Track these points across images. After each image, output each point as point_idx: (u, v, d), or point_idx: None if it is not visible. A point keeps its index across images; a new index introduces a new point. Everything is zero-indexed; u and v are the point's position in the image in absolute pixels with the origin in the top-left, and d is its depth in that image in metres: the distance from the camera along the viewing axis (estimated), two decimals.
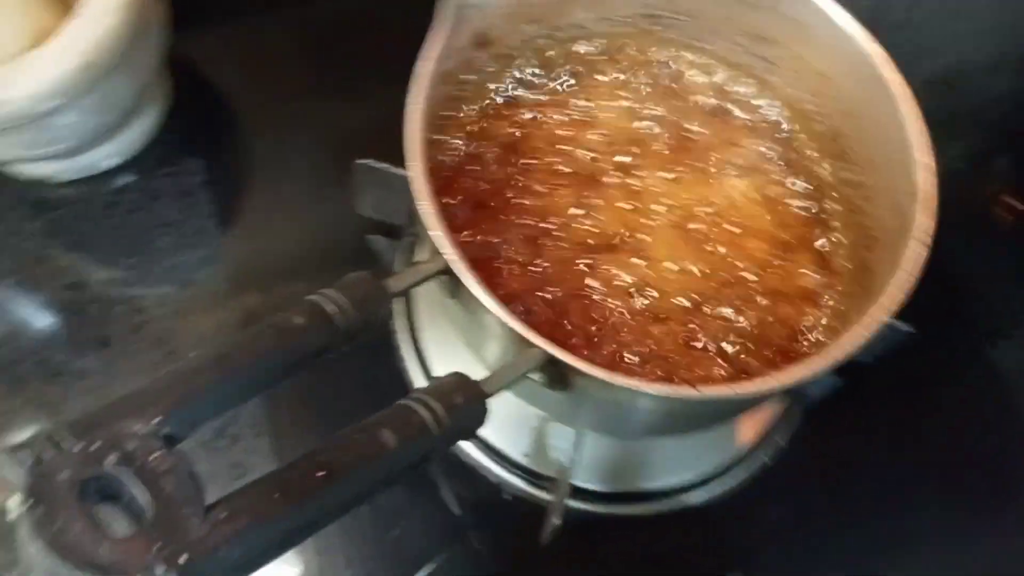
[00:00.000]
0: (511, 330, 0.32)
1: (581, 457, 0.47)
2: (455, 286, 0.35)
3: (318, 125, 0.62)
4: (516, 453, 0.51)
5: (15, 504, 0.21)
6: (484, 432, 0.51)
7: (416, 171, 0.34)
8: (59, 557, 0.20)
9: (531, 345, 0.32)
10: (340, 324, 0.28)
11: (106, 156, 0.61)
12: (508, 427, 0.52)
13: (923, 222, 0.35)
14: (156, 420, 0.23)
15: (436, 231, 0.34)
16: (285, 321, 0.27)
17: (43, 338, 0.56)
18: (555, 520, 0.46)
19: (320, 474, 0.24)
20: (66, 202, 0.61)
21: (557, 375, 0.33)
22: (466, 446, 0.52)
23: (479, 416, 0.29)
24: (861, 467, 0.53)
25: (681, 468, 0.51)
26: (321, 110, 0.64)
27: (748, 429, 0.52)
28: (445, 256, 0.33)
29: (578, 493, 0.50)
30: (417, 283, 0.33)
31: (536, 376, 0.33)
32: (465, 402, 0.28)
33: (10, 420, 0.53)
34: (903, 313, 0.48)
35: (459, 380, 0.29)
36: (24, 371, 0.54)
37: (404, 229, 0.57)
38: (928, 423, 0.55)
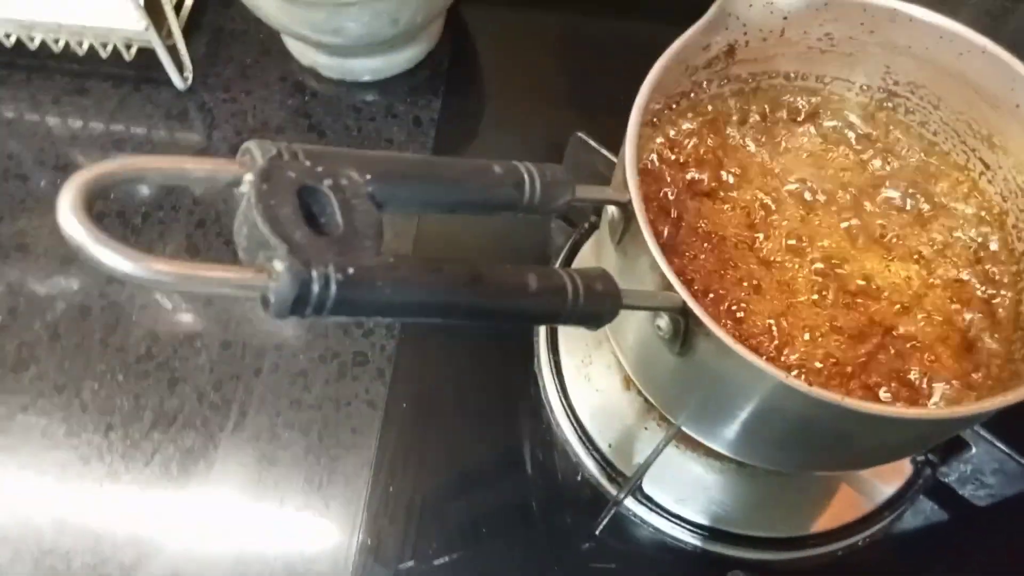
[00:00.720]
0: (660, 274, 0.35)
1: (659, 462, 0.48)
2: (624, 225, 0.38)
3: (552, 113, 0.68)
4: (602, 442, 0.53)
5: (249, 179, 0.26)
6: (581, 413, 0.53)
7: (635, 115, 0.38)
8: (265, 221, 0.24)
9: (671, 290, 0.34)
10: (525, 191, 0.32)
11: (367, 69, 0.70)
12: (603, 416, 0.54)
13: None
14: (368, 177, 0.28)
15: (631, 170, 0.37)
16: (487, 165, 0.31)
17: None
18: (614, 504, 0.47)
19: (470, 275, 0.28)
20: (322, 94, 0.70)
21: (683, 329, 0.35)
22: (560, 418, 0.54)
23: (609, 311, 0.32)
24: None
25: (749, 521, 0.50)
26: (559, 102, 0.70)
27: (831, 516, 0.51)
28: (630, 192, 0.36)
29: (647, 501, 0.51)
30: (597, 201, 0.36)
31: (664, 324, 0.36)
32: (603, 291, 0.31)
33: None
34: None
35: (605, 273, 0.32)
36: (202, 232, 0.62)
37: (584, 220, 0.61)
38: None
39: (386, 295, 0.26)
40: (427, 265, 0.27)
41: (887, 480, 0.52)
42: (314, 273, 0.24)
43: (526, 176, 0.32)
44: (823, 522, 0.52)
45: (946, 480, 0.52)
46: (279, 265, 0.24)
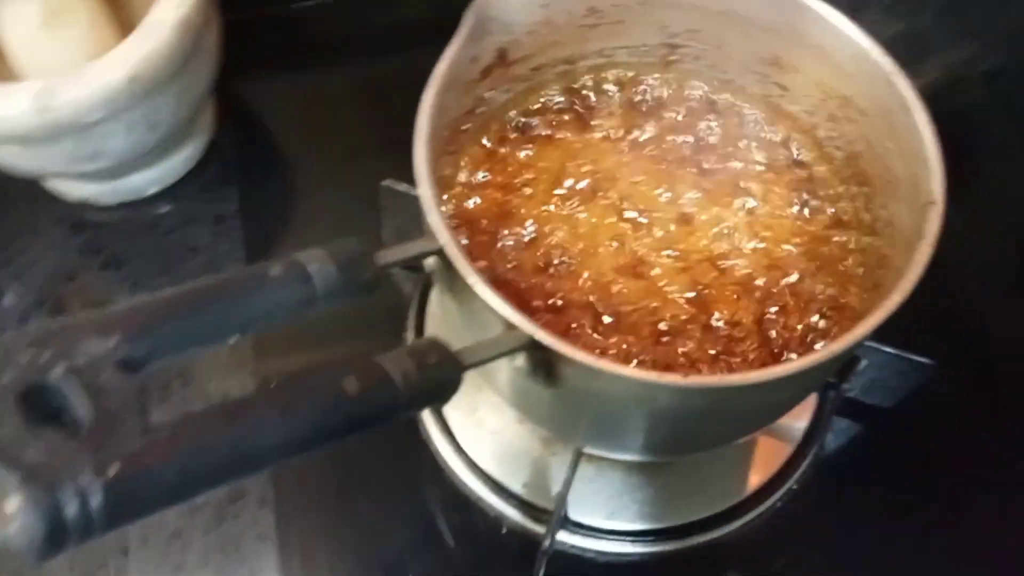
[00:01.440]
0: (500, 316, 0.32)
1: (577, 486, 0.46)
2: (448, 272, 0.35)
3: (363, 166, 0.63)
4: (515, 484, 0.49)
5: None
6: (484, 463, 0.50)
7: (420, 156, 0.35)
8: None
9: (515, 327, 0.31)
10: (316, 283, 0.28)
11: (148, 182, 0.64)
12: (508, 458, 0.50)
13: (932, 227, 0.34)
14: (113, 341, 0.23)
15: (434, 214, 0.34)
16: (260, 270, 0.27)
17: None
18: (544, 553, 0.44)
19: (273, 408, 0.23)
20: (106, 224, 0.64)
21: (541, 362, 0.32)
22: (465, 476, 0.50)
23: (451, 382, 0.28)
24: (876, 516, 0.50)
25: (687, 507, 0.48)
26: (368, 153, 0.65)
27: (760, 471, 0.50)
28: (439, 238, 0.33)
29: (579, 528, 0.48)
30: (406, 259, 0.33)
31: (521, 362, 0.32)
32: (437, 363, 0.27)
33: None
34: (924, 349, 0.46)
35: (434, 342, 0.28)
36: None
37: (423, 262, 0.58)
38: (946, 478, 0.51)
39: (171, 478, 0.21)
40: (215, 418, 0.22)
41: (798, 416, 0.52)
42: (63, 493, 0.19)
43: (311, 266, 0.28)
44: (755, 480, 0.50)
45: (851, 395, 0.51)
46: (13, 502, 0.19)
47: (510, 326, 0.31)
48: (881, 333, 0.43)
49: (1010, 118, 0.67)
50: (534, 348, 0.32)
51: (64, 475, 0.19)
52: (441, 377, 0.28)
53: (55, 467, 0.20)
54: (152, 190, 0.64)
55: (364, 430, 0.25)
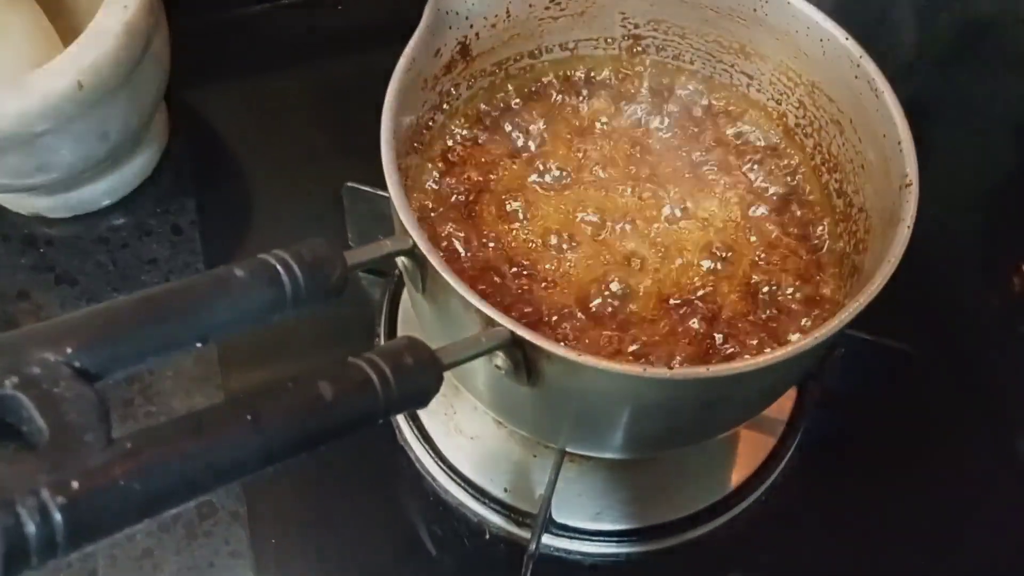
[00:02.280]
0: (476, 312, 0.31)
1: (561, 487, 0.45)
2: (421, 271, 0.33)
3: (322, 169, 0.62)
4: (496, 489, 0.48)
5: None
6: (464, 468, 0.49)
7: (387, 153, 0.34)
8: None
9: (494, 325, 0.30)
10: (286, 284, 0.27)
11: (100, 194, 0.61)
12: (488, 462, 0.49)
13: (909, 206, 0.34)
14: (68, 351, 0.21)
15: (404, 212, 0.32)
16: (225, 272, 0.25)
17: None
18: (530, 557, 0.43)
19: (246, 417, 0.22)
20: (58, 238, 0.61)
21: (521, 360, 0.31)
22: (445, 482, 0.49)
23: (430, 382, 0.27)
24: (858, 504, 0.50)
25: (672, 504, 0.48)
26: (327, 156, 0.64)
27: (744, 465, 0.49)
28: (412, 235, 0.32)
29: (564, 531, 0.47)
30: (376, 260, 0.31)
31: (500, 361, 0.31)
32: (415, 364, 0.26)
33: None
34: (898, 336, 0.46)
35: (411, 342, 0.27)
36: None
37: (393, 266, 0.56)
38: (925, 464, 0.51)
39: (136, 493, 0.19)
40: (183, 429, 0.21)
41: (779, 409, 0.51)
42: (22, 510, 0.18)
43: (279, 267, 0.27)
44: (739, 474, 0.50)
45: (830, 384, 0.51)
46: None
47: (489, 323, 0.30)
48: (856, 320, 0.43)
49: (960, 103, 0.68)
50: (514, 345, 0.31)
51: (22, 491, 0.18)
52: (420, 378, 0.26)
53: (11, 483, 0.18)
54: (105, 202, 0.62)
55: (341, 436, 0.23)
